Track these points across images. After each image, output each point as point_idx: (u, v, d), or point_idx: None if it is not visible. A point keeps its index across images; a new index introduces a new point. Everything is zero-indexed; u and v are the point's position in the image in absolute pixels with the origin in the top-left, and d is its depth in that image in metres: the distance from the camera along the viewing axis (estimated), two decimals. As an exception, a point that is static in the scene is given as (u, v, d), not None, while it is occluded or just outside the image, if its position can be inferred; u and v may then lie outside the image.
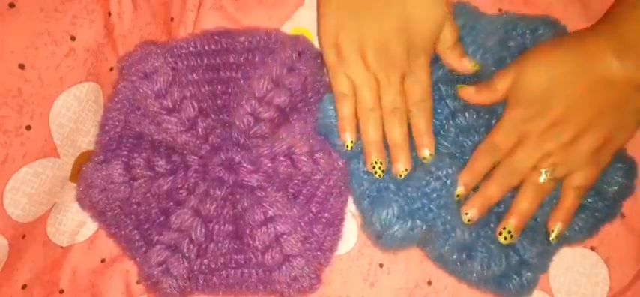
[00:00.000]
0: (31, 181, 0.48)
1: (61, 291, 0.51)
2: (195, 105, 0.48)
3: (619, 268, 0.51)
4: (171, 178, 0.48)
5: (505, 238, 0.46)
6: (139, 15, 0.53)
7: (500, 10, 0.54)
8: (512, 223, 0.46)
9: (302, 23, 0.54)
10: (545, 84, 0.45)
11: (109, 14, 0.51)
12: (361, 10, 0.46)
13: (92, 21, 0.50)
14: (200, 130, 0.48)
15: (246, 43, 0.51)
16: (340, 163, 0.49)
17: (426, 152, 0.47)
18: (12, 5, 0.46)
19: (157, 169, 0.48)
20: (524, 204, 0.46)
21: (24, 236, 0.49)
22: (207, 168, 0.48)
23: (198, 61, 0.51)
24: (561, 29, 0.50)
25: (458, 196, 0.46)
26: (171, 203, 0.49)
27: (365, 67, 0.47)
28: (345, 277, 0.52)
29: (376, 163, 0.47)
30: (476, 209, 0.46)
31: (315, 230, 0.49)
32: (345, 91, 0.48)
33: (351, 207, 0.52)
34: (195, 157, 0.49)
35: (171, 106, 0.48)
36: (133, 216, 0.50)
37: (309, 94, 0.51)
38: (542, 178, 0.45)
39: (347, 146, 0.48)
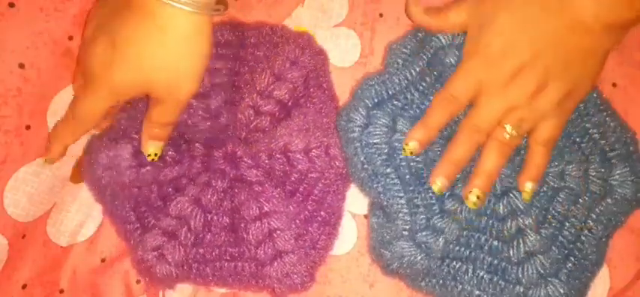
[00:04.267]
0: (31, 180, 0.48)
1: (61, 291, 0.51)
2: (222, 94, 0.49)
3: (619, 268, 0.51)
4: (177, 167, 0.48)
5: (474, 203, 0.43)
6: (138, 15, 0.53)
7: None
8: (478, 183, 0.43)
9: (301, 22, 0.54)
10: (507, 28, 0.41)
11: (109, 14, 0.51)
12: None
13: (92, 21, 0.50)
14: (224, 119, 0.48)
15: (252, 39, 0.51)
16: (337, 162, 0.49)
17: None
18: (12, 5, 0.46)
19: (166, 158, 0.48)
20: (489, 163, 0.43)
21: (24, 236, 0.49)
22: (211, 159, 0.48)
23: (222, 50, 0.51)
24: None
25: (411, 152, 0.44)
26: (170, 189, 0.49)
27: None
28: (344, 278, 0.52)
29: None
30: (443, 176, 0.44)
31: (310, 228, 0.49)
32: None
33: (351, 207, 0.52)
34: (201, 147, 0.48)
35: (201, 91, 0.48)
36: (131, 198, 0.49)
37: (311, 89, 0.50)
38: (507, 135, 0.43)
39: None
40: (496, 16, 0.42)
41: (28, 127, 0.48)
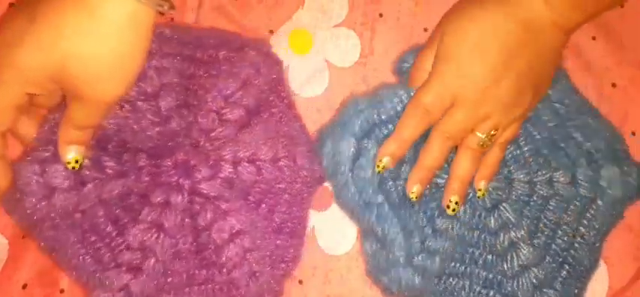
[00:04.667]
0: (31, 180, 0.48)
1: (62, 291, 0.51)
2: (174, 95, 0.45)
3: (618, 267, 0.51)
4: (122, 180, 0.43)
5: (452, 209, 0.44)
6: (139, 15, 0.53)
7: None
8: (454, 189, 0.44)
9: (302, 24, 0.54)
10: (472, 33, 0.42)
11: (110, 14, 0.51)
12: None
13: (92, 21, 0.49)
14: (175, 124, 0.45)
15: (211, 40, 0.49)
16: (304, 171, 0.47)
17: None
18: (12, 5, 0.47)
19: (107, 170, 0.42)
20: (463, 170, 0.44)
21: (24, 236, 0.49)
22: (160, 170, 0.44)
23: (170, 48, 0.47)
24: None
25: (384, 167, 0.44)
26: (119, 210, 0.44)
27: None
28: (344, 277, 0.52)
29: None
30: (418, 183, 0.44)
31: (278, 242, 0.47)
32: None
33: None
34: (146, 157, 0.44)
35: (150, 91, 0.44)
36: (76, 227, 0.43)
37: (271, 98, 0.49)
38: (480, 142, 0.43)
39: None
40: (459, 23, 0.43)
41: (28, 127, 0.48)
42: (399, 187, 0.46)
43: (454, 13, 0.44)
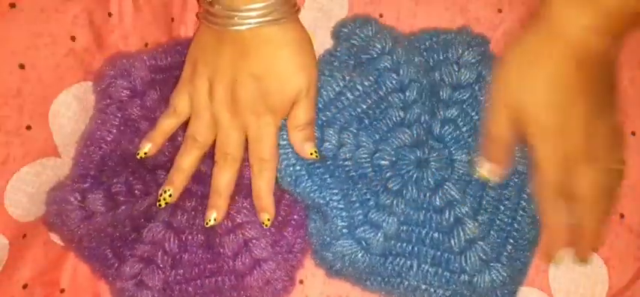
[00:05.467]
0: (31, 180, 0.48)
1: (62, 290, 0.51)
2: None
3: (618, 268, 0.51)
4: (147, 198, 0.47)
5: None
6: (139, 16, 0.53)
7: (499, 10, 0.54)
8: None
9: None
10: (548, 98, 0.42)
11: (110, 15, 0.51)
12: (225, 46, 0.45)
13: (92, 22, 0.50)
14: (180, 139, 0.48)
15: None
16: None
17: (264, 216, 0.47)
18: (12, 5, 0.47)
19: (136, 192, 0.47)
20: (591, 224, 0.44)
21: (24, 236, 0.49)
22: None
23: (173, 73, 0.50)
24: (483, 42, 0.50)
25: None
26: (143, 219, 0.49)
27: (209, 98, 0.46)
28: (344, 277, 0.52)
29: (166, 190, 0.46)
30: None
31: (284, 233, 0.49)
32: (180, 109, 0.47)
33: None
34: (164, 172, 0.48)
35: (155, 120, 0.48)
36: (107, 238, 0.49)
37: None
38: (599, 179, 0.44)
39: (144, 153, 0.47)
40: (530, 78, 0.43)
41: (28, 128, 0.48)
42: (339, 164, 0.47)
43: (512, 70, 0.44)
